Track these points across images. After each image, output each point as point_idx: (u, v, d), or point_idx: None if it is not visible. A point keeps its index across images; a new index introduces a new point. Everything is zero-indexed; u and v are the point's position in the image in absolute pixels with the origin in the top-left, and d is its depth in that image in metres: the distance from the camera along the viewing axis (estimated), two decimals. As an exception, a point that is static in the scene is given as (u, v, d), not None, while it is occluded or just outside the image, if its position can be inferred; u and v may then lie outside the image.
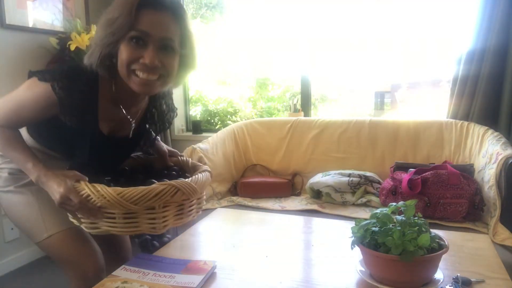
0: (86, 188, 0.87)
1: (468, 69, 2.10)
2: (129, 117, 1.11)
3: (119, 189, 0.85)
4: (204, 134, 2.75)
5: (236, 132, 2.44)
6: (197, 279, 0.90)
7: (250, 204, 2.01)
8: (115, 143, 1.13)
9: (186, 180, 0.92)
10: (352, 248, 0.90)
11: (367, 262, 0.89)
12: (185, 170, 1.19)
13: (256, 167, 2.44)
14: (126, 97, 1.07)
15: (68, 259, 1.12)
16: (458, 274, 0.89)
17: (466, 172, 1.83)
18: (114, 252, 1.30)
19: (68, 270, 1.14)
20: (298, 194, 2.19)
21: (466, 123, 2.12)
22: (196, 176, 0.97)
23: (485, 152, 1.86)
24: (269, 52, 2.91)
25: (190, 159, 1.23)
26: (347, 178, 2.04)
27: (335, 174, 2.11)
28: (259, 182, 2.19)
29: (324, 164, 2.29)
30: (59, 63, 0.99)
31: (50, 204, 1.02)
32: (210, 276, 0.94)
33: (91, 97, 1.02)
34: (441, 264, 0.86)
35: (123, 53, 0.96)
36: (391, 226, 0.85)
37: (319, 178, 2.09)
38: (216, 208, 1.71)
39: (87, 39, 2.22)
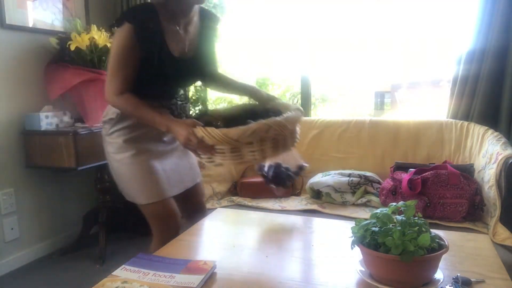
0: (201, 132, 1.10)
1: (468, 69, 2.10)
2: (183, 34, 1.32)
3: (224, 130, 1.08)
4: (204, 134, 2.74)
5: (236, 132, 2.44)
6: (197, 279, 0.90)
7: (250, 204, 2.01)
8: (185, 64, 1.33)
9: (277, 118, 1.11)
10: (352, 248, 0.90)
11: (367, 262, 0.89)
12: (282, 111, 1.32)
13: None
14: (180, 16, 1.29)
15: (158, 222, 1.40)
16: (458, 274, 0.89)
17: (466, 172, 1.83)
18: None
19: (154, 226, 1.42)
20: (298, 194, 2.19)
21: (466, 123, 2.12)
22: (286, 114, 1.16)
23: (485, 152, 1.86)
24: (269, 52, 2.91)
25: (285, 101, 1.44)
26: (347, 178, 2.05)
27: (335, 174, 2.11)
28: (259, 182, 2.18)
29: (324, 164, 2.29)
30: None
31: (150, 177, 1.34)
32: (210, 276, 0.94)
33: (155, 21, 1.22)
34: (441, 264, 0.86)
35: None
36: (391, 226, 0.85)
37: (319, 178, 2.09)
38: (216, 208, 1.71)
39: (87, 39, 2.21)
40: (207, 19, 1.42)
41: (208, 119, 1.34)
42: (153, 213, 1.39)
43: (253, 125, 1.07)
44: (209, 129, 1.10)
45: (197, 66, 1.40)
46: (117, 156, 1.37)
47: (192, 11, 1.32)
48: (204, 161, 1.18)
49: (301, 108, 1.26)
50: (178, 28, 1.30)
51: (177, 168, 1.46)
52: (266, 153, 1.12)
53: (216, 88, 1.57)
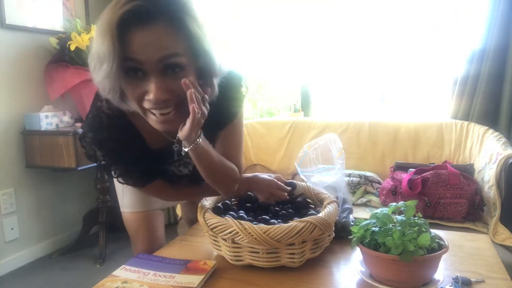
0: (234, 226, 0.91)
1: (468, 69, 2.10)
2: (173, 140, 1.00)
3: (265, 227, 0.90)
4: (204, 134, 2.74)
5: (236, 132, 2.44)
6: (197, 279, 0.90)
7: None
8: (170, 155, 1.05)
9: (321, 215, 0.95)
10: (352, 248, 0.90)
11: (367, 262, 0.89)
12: (305, 194, 1.21)
13: (256, 167, 2.44)
14: None
15: (130, 234, 1.26)
16: (458, 274, 0.89)
17: (466, 172, 1.83)
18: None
19: (131, 241, 1.27)
20: (298, 194, 2.19)
21: (466, 123, 2.12)
22: (328, 209, 1.00)
23: (485, 152, 1.86)
24: (269, 53, 2.91)
25: (308, 184, 1.25)
26: (347, 178, 2.04)
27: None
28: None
29: (324, 164, 2.29)
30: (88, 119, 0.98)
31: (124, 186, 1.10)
32: (210, 276, 0.94)
33: (129, 138, 0.97)
34: (441, 264, 0.86)
35: (127, 91, 0.81)
36: (391, 226, 0.85)
37: (319, 178, 2.09)
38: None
39: (87, 39, 2.22)
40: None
41: (221, 196, 1.19)
42: (129, 223, 1.24)
43: (298, 223, 0.91)
44: (246, 224, 0.91)
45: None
46: None
47: None
48: (228, 258, 0.99)
49: (336, 199, 1.10)
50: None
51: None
52: (305, 257, 0.96)
53: None
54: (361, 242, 0.87)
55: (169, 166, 1.09)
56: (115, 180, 1.21)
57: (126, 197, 1.23)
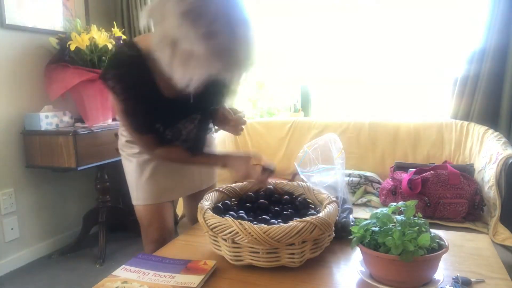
0: (234, 226, 0.92)
1: (468, 69, 2.11)
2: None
3: (265, 227, 0.91)
4: (204, 134, 2.73)
5: (236, 132, 2.44)
6: (197, 279, 0.90)
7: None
8: (180, 105, 1.17)
9: (321, 215, 0.96)
10: (352, 248, 0.90)
11: (367, 262, 0.89)
12: (306, 194, 1.22)
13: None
14: None
15: (143, 225, 1.38)
16: (458, 274, 0.89)
17: (466, 172, 1.83)
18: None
19: (142, 231, 1.40)
20: (298, 194, 2.18)
21: (466, 123, 2.12)
22: (328, 209, 1.00)
23: (485, 152, 1.86)
24: (269, 53, 2.91)
25: (308, 184, 1.25)
26: (347, 178, 2.05)
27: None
28: (259, 182, 2.18)
29: (324, 164, 2.29)
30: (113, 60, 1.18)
31: (147, 178, 1.31)
32: (210, 276, 0.94)
33: (145, 80, 1.09)
34: (441, 264, 0.86)
35: None
36: (391, 226, 0.85)
37: (319, 178, 2.09)
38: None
39: (87, 39, 2.22)
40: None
41: (222, 196, 1.21)
42: (141, 215, 1.36)
43: (298, 223, 0.91)
44: (246, 224, 0.91)
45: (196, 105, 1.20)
46: (122, 152, 1.37)
47: None
48: (229, 258, 0.99)
49: (336, 199, 1.11)
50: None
51: (188, 170, 1.39)
52: (305, 257, 0.96)
53: None
54: (361, 242, 0.87)
55: (175, 121, 1.23)
56: (128, 174, 1.35)
57: (139, 191, 1.33)
